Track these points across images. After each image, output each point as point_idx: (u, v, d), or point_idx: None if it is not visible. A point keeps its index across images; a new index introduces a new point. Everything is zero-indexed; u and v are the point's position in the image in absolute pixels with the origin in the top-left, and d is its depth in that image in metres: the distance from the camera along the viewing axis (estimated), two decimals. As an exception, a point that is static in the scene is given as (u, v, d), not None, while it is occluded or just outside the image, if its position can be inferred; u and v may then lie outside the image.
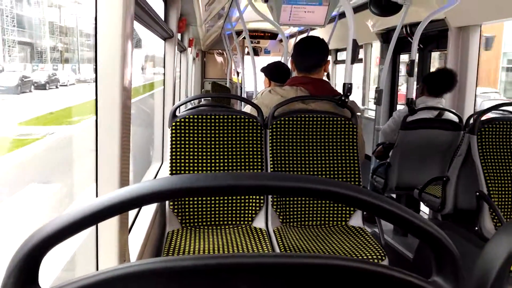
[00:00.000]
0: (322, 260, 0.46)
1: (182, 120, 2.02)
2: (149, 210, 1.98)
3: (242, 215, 2.03)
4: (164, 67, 2.98)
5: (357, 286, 0.46)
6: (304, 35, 5.74)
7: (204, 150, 2.04)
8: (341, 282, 0.46)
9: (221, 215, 2.03)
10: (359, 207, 0.45)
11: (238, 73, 7.64)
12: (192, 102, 3.61)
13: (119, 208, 0.42)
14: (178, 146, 2.02)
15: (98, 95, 1.14)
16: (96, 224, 0.46)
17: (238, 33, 6.24)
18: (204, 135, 2.04)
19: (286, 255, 0.46)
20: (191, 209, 2.00)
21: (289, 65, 2.53)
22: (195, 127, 2.03)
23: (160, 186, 0.42)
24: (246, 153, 2.06)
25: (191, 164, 2.03)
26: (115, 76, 1.12)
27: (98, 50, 1.12)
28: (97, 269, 1.21)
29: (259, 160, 2.07)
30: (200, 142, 2.03)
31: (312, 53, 2.21)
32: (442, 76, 3.10)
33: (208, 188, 0.43)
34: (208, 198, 2.01)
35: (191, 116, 2.02)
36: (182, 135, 2.02)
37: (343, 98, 2.10)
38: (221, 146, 2.05)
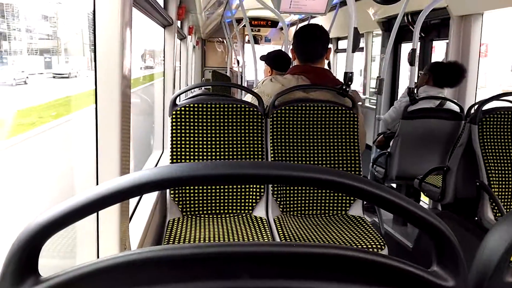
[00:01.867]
0: (322, 249, 0.46)
1: (183, 108, 2.01)
2: (149, 199, 1.99)
3: (242, 204, 2.04)
4: (163, 55, 2.96)
5: (357, 275, 0.46)
6: (305, 23, 5.70)
7: (205, 139, 2.03)
8: (340, 271, 0.46)
9: (222, 204, 2.03)
10: (359, 196, 0.45)
11: (238, 62, 7.60)
12: (192, 90, 3.60)
13: (119, 196, 0.42)
14: (179, 134, 2.01)
15: (98, 83, 1.13)
16: (96, 212, 0.46)
17: (238, 21, 6.19)
18: (204, 124, 2.03)
19: (286, 244, 0.46)
20: (192, 198, 2.01)
21: (290, 54, 2.52)
22: (196, 116, 2.02)
23: (160, 174, 0.42)
24: (247, 142, 2.06)
25: (192, 153, 2.03)
26: (115, 65, 1.11)
27: (97, 38, 1.11)
28: (98, 257, 1.21)
29: (260, 149, 2.06)
30: (200, 131, 2.03)
31: (312, 42, 2.18)
32: (452, 69, 3.03)
33: (208, 177, 0.42)
34: (209, 187, 2.01)
35: (192, 105, 2.02)
36: (183, 123, 2.01)
37: (344, 87, 2.09)
38: (222, 135, 2.04)
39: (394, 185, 3.63)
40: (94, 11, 1.10)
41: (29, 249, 0.42)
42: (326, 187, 0.44)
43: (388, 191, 0.44)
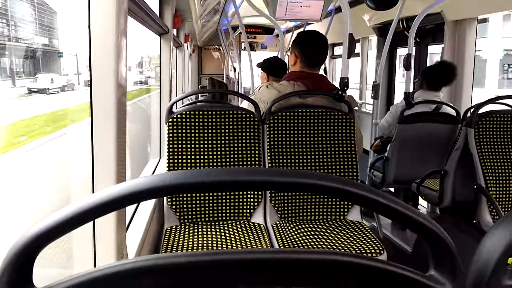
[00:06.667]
0: (319, 256, 0.45)
1: (179, 116, 2.01)
2: (147, 207, 1.98)
3: (240, 211, 2.03)
4: (160, 63, 2.97)
5: (355, 281, 0.46)
6: (301, 30, 5.73)
7: (201, 146, 2.03)
8: (338, 277, 0.46)
9: (219, 211, 2.03)
10: (355, 201, 0.45)
11: (234, 69, 7.62)
12: (189, 98, 3.60)
13: (115, 204, 0.42)
14: (175, 142, 2.01)
15: (93, 92, 1.13)
16: (92, 220, 0.46)
17: (234, 28, 6.21)
18: (201, 131, 2.03)
19: (282, 251, 0.46)
20: (189, 205, 2.00)
21: (287, 59, 2.52)
22: (192, 123, 2.02)
23: (155, 182, 0.42)
24: (244, 148, 2.06)
25: (188, 160, 2.02)
26: (110, 73, 1.11)
27: (92, 47, 1.11)
28: (95, 265, 1.20)
29: (257, 155, 2.06)
30: (197, 138, 2.03)
31: (320, 49, 2.21)
32: (442, 69, 3.08)
33: (203, 184, 0.42)
34: (206, 194, 2.01)
35: (188, 112, 2.02)
36: (179, 131, 2.01)
37: (340, 92, 2.09)
38: (219, 141, 2.04)
39: (392, 189, 3.63)
40: (89, 20, 1.10)
41: (23, 259, 0.42)
42: (321, 193, 0.44)
43: (383, 196, 0.44)
